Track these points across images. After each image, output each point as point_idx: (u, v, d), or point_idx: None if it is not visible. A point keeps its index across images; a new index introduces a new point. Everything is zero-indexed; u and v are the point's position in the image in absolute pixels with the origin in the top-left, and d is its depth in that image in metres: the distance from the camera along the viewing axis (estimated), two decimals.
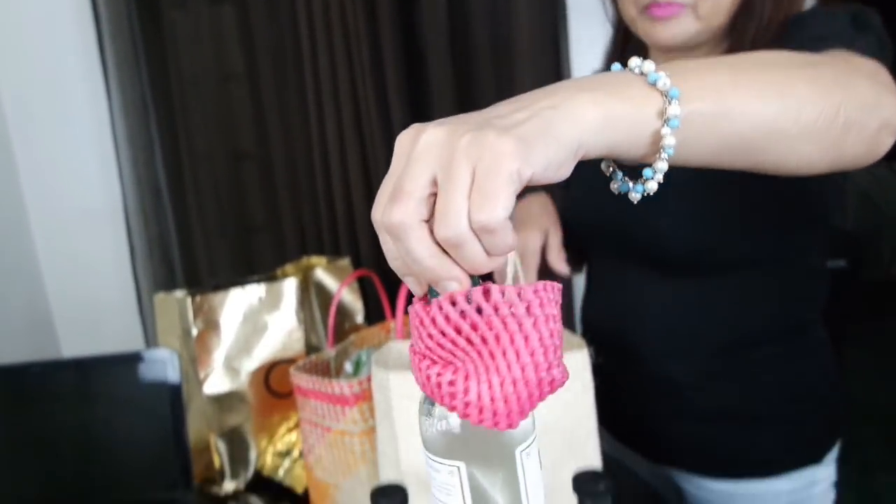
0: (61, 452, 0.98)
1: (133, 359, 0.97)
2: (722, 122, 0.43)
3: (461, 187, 0.33)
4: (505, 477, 0.39)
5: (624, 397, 0.97)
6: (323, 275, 1.20)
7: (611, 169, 0.46)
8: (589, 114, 0.37)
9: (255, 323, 1.08)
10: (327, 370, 0.97)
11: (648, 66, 0.41)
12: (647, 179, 0.43)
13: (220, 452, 1.07)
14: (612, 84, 0.40)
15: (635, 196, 0.44)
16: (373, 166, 1.64)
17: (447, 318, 0.35)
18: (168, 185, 1.86)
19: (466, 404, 0.36)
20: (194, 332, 1.03)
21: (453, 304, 0.35)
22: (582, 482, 0.55)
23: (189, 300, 1.03)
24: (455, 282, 0.35)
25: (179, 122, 1.82)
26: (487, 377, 0.35)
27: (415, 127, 0.37)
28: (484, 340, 0.35)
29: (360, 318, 1.23)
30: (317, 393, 0.91)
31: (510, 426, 0.36)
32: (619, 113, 0.39)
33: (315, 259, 1.26)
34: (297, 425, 1.11)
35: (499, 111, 0.37)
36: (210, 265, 1.86)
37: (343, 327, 1.19)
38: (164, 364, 0.96)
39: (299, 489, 1.05)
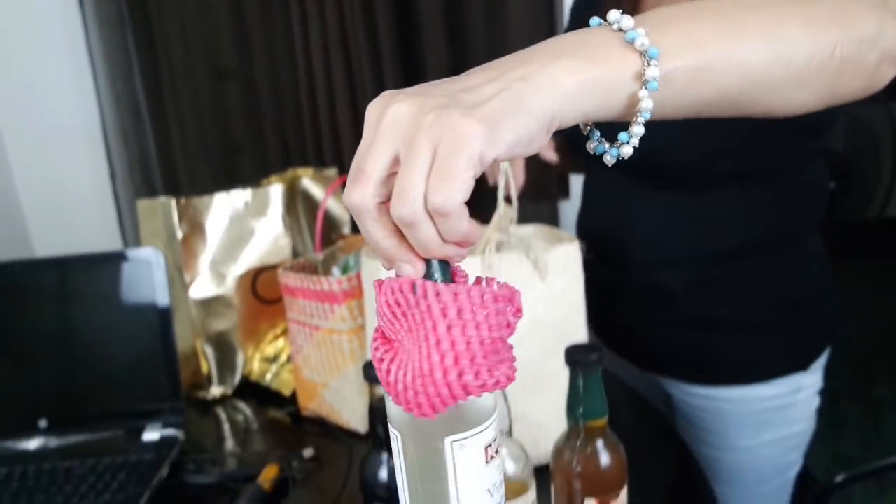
0: (43, 356, 0.97)
1: (117, 258, 0.95)
2: (705, 77, 0.41)
3: (420, 167, 0.33)
4: (432, 463, 0.39)
5: (615, 305, 0.98)
6: (309, 184, 1.18)
7: (588, 128, 0.44)
8: (563, 82, 0.36)
9: (242, 228, 1.07)
10: (315, 273, 0.97)
11: (627, 22, 0.39)
12: (622, 143, 0.41)
13: (207, 358, 1.07)
14: (589, 46, 0.38)
15: (609, 160, 0.43)
16: (358, 80, 1.60)
17: (386, 302, 0.36)
18: (147, 104, 1.81)
19: (387, 384, 0.37)
20: (179, 235, 1.02)
21: (400, 288, 0.35)
22: (574, 353, 0.55)
23: (174, 203, 1.01)
24: (409, 265, 0.35)
25: (158, 38, 1.76)
26: (407, 364, 0.36)
27: (385, 96, 0.36)
28: (410, 330, 0.36)
29: (346, 228, 1.22)
30: (305, 291, 0.90)
31: (424, 416, 0.36)
32: (596, 78, 0.37)
33: (301, 170, 1.24)
34: (284, 332, 1.12)
35: (470, 82, 0.36)
36: (192, 186, 1.83)
37: (330, 237, 1.18)
38: (149, 263, 0.94)
39: (287, 393, 1.05)
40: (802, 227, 0.90)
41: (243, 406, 1.07)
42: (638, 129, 0.40)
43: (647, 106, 0.38)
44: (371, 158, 0.34)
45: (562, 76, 0.36)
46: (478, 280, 0.37)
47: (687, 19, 0.41)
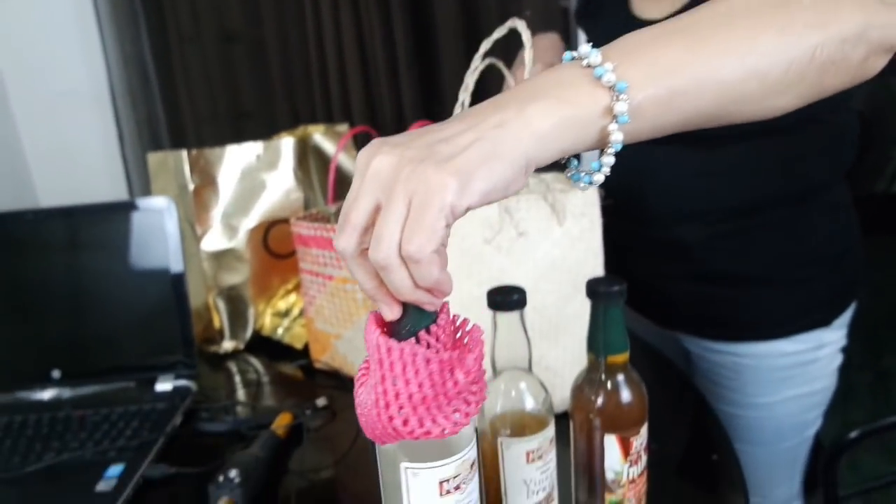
0: (55, 307, 0.96)
1: (129, 207, 0.94)
2: (678, 102, 0.41)
3: (396, 217, 0.36)
4: (393, 481, 0.43)
5: (633, 261, 0.96)
6: (321, 139, 1.17)
7: (565, 159, 0.44)
8: (537, 126, 0.38)
9: (253, 181, 1.06)
10: (328, 223, 0.96)
11: (595, 57, 0.40)
12: (594, 171, 0.43)
13: (219, 312, 1.06)
14: (560, 86, 0.40)
15: (584, 186, 0.44)
16: (368, 41, 1.58)
17: (366, 336, 0.40)
18: (156, 66, 1.80)
19: (356, 405, 0.42)
20: (191, 187, 1.01)
21: (366, 328, 0.40)
22: (595, 285, 0.54)
23: (185, 155, 1.00)
24: (387, 307, 0.39)
25: (166, 0, 1.74)
26: (366, 395, 0.41)
27: (373, 146, 0.38)
28: (371, 366, 0.41)
29: None
30: (318, 240, 0.89)
31: (375, 440, 0.41)
32: (568, 118, 0.39)
33: (312, 127, 1.23)
34: (296, 287, 1.11)
35: (449, 131, 0.38)
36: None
37: (342, 191, 1.17)
38: (161, 213, 0.93)
39: (299, 346, 1.05)
40: (828, 177, 0.88)
41: (255, 360, 1.07)
42: (608, 160, 0.42)
43: (616, 139, 0.40)
44: (355, 209, 0.37)
45: (535, 119, 0.38)
46: (455, 328, 0.42)
47: (658, 44, 0.42)
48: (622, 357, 0.56)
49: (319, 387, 0.96)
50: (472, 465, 0.44)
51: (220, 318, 1.06)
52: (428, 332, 0.40)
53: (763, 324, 0.91)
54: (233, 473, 0.68)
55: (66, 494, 0.72)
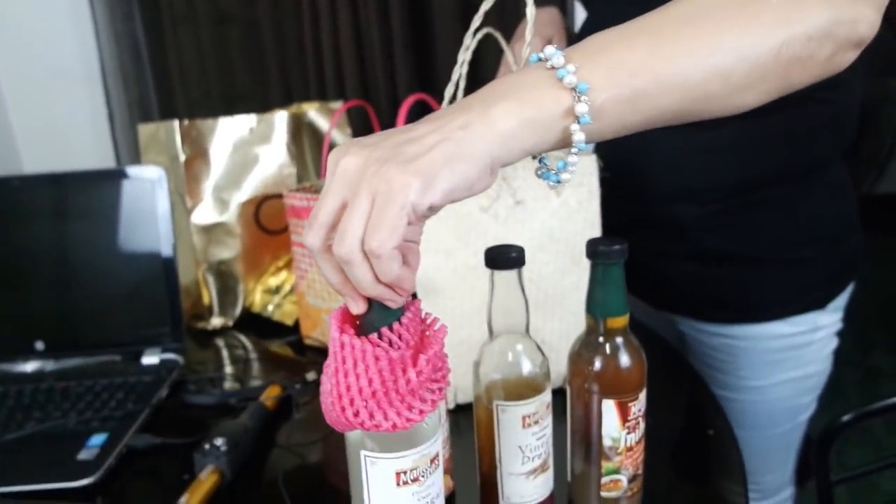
0: (40, 277, 0.94)
1: (118, 175, 0.92)
2: (641, 103, 0.42)
3: (359, 214, 0.37)
4: (355, 468, 0.45)
5: (628, 240, 0.95)
6: (315, 116, 1.15)
7: (536, 157, 0.46)
8: (501, 126, 0.39)
9: (246, 154, 1.04)
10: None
11: (557, 59, 0.41)
12: (559, 170, 0.44)
13: (208, 287, 1.05)
14: (524, 88, 0.41)
15: (552, 185, 0.45)
16: (364, 23, 1.56)
17: (332, 339, 0.42)
18: (148, 47, 1.77)
19: (320, 391, 0.44)
20: (182, 158, 0.99)
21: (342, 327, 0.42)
22: (595, 244, 0.53)
23: (177, 125, 0.98)
24: (352, 302, 0.41)
25: None
26: (325, 384, 0.43)
27: (342, 147, 0.40)
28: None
29: None
30: (311, 211, 0.88)
31: (333, 427, 0.43)
32: (530, 118, 0.40)
33: (307, 104, 1.21)
34: (287, 265, 1.09)
35: (417, 132, 0.39)
36: None
37: None
38: (152, 183, 0.91)
39: (289, 323, 1.03)
40: (829, 154, 0.87)
41: (244, 338, 1.05)
42: (573, 159, 0.43)
43: (579, 139, 0.41)
44: (323, 207, 0.39)
45: (499, 121, 0.39)
46: (423, 328, 0.44)
47: (622, 45, 0.42)
48: (622, 320, 0.54)
49: (310, 363, 0.94)
50: (432, 460, 0.46)
51: (210, 294, 1.05)
52: (391, 329, 0.41)
53: (758, 305, 0.90)
54: (219, 441, 0.66)
55: (46, 462, 0.70)
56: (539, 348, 0.56)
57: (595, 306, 0.54)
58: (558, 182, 0.45)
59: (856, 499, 1.40)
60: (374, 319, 0.41)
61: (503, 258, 0.53)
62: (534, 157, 0.46)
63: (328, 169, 0.40)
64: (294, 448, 0.73)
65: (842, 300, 0.91)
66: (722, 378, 0.96)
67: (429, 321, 0.45)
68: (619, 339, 0.55)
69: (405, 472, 0.45)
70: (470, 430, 0.61)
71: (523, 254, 0.53)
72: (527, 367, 0.55)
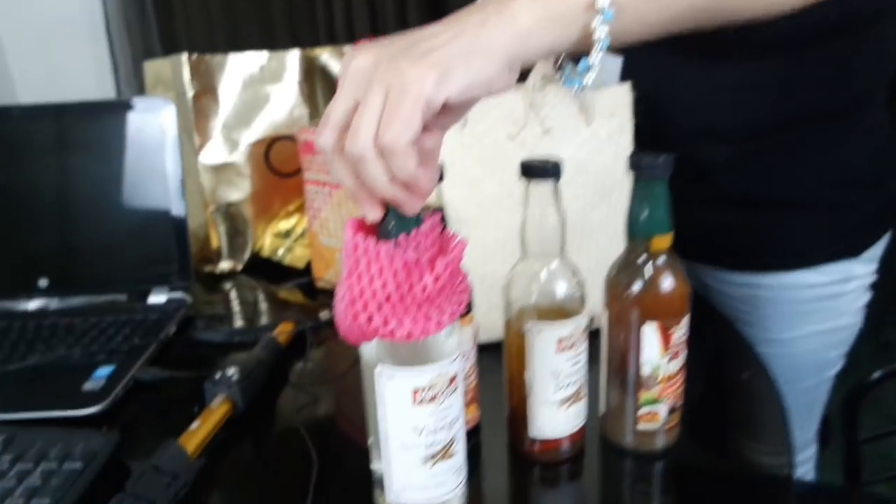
0: (43, 212, 0.89)
1: (123, 107, 0.88)
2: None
3: (372, 110, 0.36)
4: (369, 386, 0.44)
5: None
6: (328, 59, 1.11)
7: (559, 62, 0.45)
8: (521, 20, 0.38)
9: (256, 92, 1.00)
10: None
11: None
12: (581, 73, 0.43)
13: (217, 230, 1.01)
14: None
15: (576, 90, 0.46)
16: None
17: (346, 241, 0.40)
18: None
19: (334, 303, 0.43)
20: (190, 93, 0.95)
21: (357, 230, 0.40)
22: (638, 157, 0.49)
23: (185, 57, 0.94)
24: (368, 208, 0.39)
25: None
26: (339, 295, 0.41)
27: (355, 49, 0.38)
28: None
29: None
30: None
31: (348, 340, 0.41)
32: (551, 13, 0.39)
33: (319, 49, 1.17)
34: (298, 209, 1.06)
35: (431, 31, 0.38)
36: None
37: None
38: (158, 114, 0.87)
39: (301, 267, 1.00)
40: (866, 93, 0.82)
41: (253, 282, 1.02)
42: (595, 60, 0.42)
43: (600, 35, 0.40)
44: (334, 108, 0.37)
45: (519, 15, 0.38)
46: (443, 241, 0.42)
47: None
48: (666, 239, 0.51)
49: (322, 306, 0.91)
50: (451, 380, 0.44)
51: (219, 237, 1.01)
52: (408, 237, 0.40)
53: (787, 252, 0.86)
54: (231, 371, 0.63)
55: (49, 393, 0.67)
56: (574, 270, 0.53)
57: (637, 226, 0.51)
58: (581, 87, 0.44)
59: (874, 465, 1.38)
60: (390, 227, 0.40)
61: (540, 168, 0.49)
62: (555, 65, 0.44)
63: (341, 71, 0.39)
64: (306, 387, 0.70)
65: (877, 249, 0.87)
66: (747, 331, 0.92)
67: (448, 236, 0.43)
68: (663, 260, 0.51)
69: (422, 390, 0.43)
70: (495, 369, 0.58)
71: (560, 166, 0.50)
72: (561, 290, 0.52)
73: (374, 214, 0.39)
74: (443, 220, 0.49)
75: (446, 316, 0.41)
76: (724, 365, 0.74)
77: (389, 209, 0.39)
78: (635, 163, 0.50)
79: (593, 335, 0.55)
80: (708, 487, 0.53)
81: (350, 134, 0.36)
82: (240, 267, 1.03)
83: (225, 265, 1.02)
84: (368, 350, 0.44)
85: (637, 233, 0.51)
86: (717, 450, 0.59)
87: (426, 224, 0.41)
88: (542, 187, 0.49)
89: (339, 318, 0.41)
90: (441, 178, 0.51)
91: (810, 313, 0.88)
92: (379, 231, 0.40)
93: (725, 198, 0.87)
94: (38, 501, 0.50)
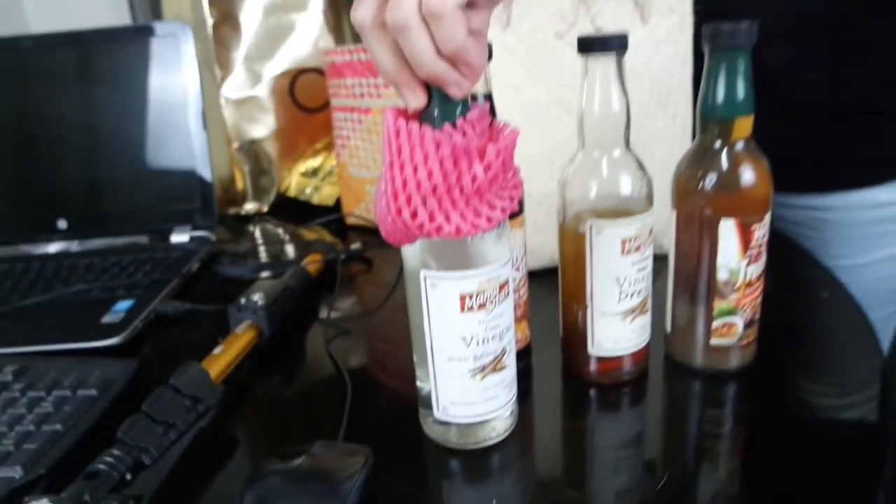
0: (60, 149, 0.85)
1: (141, 32, 0.83)
2: None
3: None
4: (413, 297, 0.41)
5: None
6: None
7: None
8: None
9: (279, 21, 0.94)
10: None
11: None
12: None
13: (241, 169, 0.96)
14: None
15: None
16: None
17: (386, 128, 0.35)
18: None
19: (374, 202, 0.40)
20: (210, 22, 0.90)
21: (385, 119, 0.35)
22: (718, 25, 0.42)
23: None
24: (410, 92, 0.34)
25: None
26: (379, 193, 0.37)
27: None
28: (384, 161, 0.37)
29: None
30: (354, 66, 0.78)
31: (388, 240, 0.38)
32: None
33: None
34: (326, 147, 1.00)
35: None
36: None
37: None
38: (177, 39, 0.82)
39: (330, 205, 0.94)
40: None
41: (280, 222, 0.97)
42: None
43: None
44: None
45: None
46: (491, 129, 0.37)
47: None
48: (748, 122, 0.44)
49: (352, 242, 0.86)
50: (502, 286, 0.40)
51: (243, 177, 0.96)
52: (454, 126, 0.35)
53: (854, 167, 0.78)
54: (257, 296, 0.58)
55: (67, 326, 0.63)
56: (640, 164, 0.46)
57: (713, 107, 0.44)
58: None
59: None
60: (435, 114, 0.35)
61: (600, 40, 0.42)
62: None
63: None
64: (336, 322, 0.65)
65: None
66: None
67: (498, 126, 0.37)
68: (742, 147, 0.45)
69: (470, 297, 0.39)
70: (545, 296, 0.52)
71: (626, 40, 0.43)
72: (626, 185, 0.46)
73: (416, 101, 0.35)
74: (492, 109, 0.43)
75: (497, 212, 0.37)
76: (803, 283, 0.67)
77: (433, 95, 0.35)
78: (713, 31, 0.42)
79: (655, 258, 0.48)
80: (789, 414, 0.47)
81: (392, 1, 0.32)
82: (265, 208, 0.98)
83: (250, 206, 0.97)
84: (412, 254, 0.40)
85: (713, 116, 0.44)
86: (798, 373, 0.52)
87: (473, 112, 0.35)
88: (604, 63, 0.43)
89: (380, 216, 0.37)
90: (490, 57, 0.45)
91: (881, 236, 0.80)
92: (422, 119, 0.36)
93: (784, 108, 0.78)
94: (49, 427, 0.46)
